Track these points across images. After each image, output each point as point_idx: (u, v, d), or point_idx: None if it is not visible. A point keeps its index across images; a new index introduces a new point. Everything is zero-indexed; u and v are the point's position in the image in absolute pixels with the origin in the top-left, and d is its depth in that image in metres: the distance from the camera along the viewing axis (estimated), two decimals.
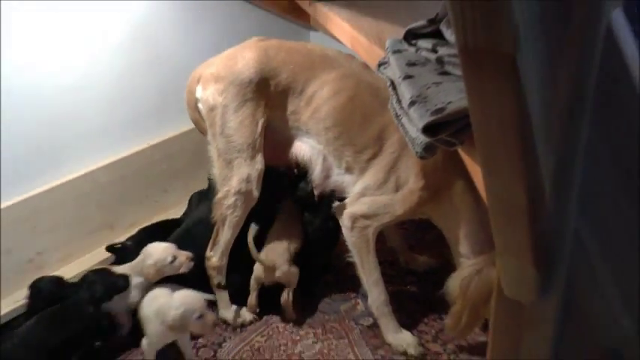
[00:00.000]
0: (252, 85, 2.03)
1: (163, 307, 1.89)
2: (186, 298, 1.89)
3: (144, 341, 1.94)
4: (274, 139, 2.13)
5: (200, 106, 2.13)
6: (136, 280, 2.04)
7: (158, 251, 2.04)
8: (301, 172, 2.20)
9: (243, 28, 2.58)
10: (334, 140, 2.04)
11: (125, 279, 2.03)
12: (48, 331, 1.87)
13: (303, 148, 2.12)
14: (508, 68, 0.67)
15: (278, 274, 2.11)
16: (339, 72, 2.05)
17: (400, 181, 1.98)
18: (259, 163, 2.08)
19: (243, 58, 2.06)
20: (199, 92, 2.12)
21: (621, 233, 0.92)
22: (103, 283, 1.98)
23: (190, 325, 1.87)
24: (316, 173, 2.13)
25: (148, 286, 2.05)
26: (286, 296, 2.15)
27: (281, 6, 2.42)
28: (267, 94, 2.06)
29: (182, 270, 2.06)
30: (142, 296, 2.03)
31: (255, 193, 2.09)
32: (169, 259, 2.02)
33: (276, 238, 2.18)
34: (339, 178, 2.11)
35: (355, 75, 2.05)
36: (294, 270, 2.13)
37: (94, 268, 2.11)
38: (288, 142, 2.15)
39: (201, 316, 1.87)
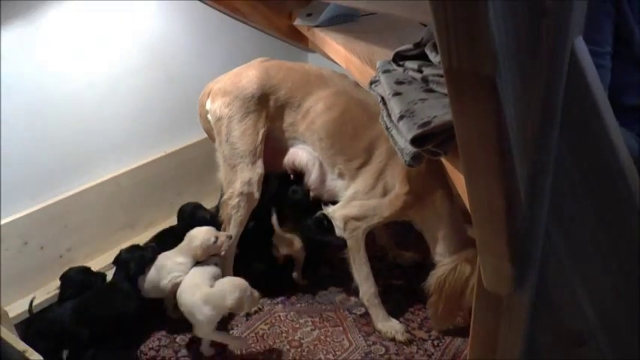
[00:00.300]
0: (254, 100, 2.04)
1: (215, 294, 1.89)
2: (234, 282, 1.92)
3: (201, 329, 1.91)
4: (274, 148, 2.13)
5: (209, 117, 2.14)
6: (180, 260, 2.03)
7: (202, 233, 2.04)
8: (296, 177, 2.20)
9: (248, 50, 2.57)
10: (327, 150, 2.04)
11: (152, 249, 2.07)
12: (92, 307, 1.91)
13: (301, 154, 2.13)
14: (488, 87, 0.67)
15: (296, 246, 2.20)
16: (333, 89, 2.05)
17: (387, 187, 1.98)
18: (260, 167, 2.08)
19: (247, 75, 2.07)
20: (209, 105, 2.13)
21: (585, 232, 0.93)
22: (134, 259, 2.00)
23: (245, 304, 1.91)
24: (313, 178, 2.13)
25: (192, 265, 2.05)
26: (299, 273, 2.32)
27: (283, 31, 2.42)
28: (268, 107, 2.07)
29: (223, 248, 2.08)
30: (185, 274, 2.02)
31: (256, 195, 2.09)
32: (212, 239, 2.03)
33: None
34: (333, 183, 2.11)
35: (347, 92, 2.05)
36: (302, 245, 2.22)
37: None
38: (286, 150, 2.15)
39: (250, 294, 1.90)
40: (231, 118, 2.06)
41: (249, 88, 2.04)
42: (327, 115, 2.02)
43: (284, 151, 2.15)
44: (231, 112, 2.05)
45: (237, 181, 2.07)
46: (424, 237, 2.03)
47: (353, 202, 2.02)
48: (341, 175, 2.07)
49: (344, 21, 2.14)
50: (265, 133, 2.08)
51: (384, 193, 1.99)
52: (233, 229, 2.12)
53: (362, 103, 2.02)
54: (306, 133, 2.07)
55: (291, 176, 2.22)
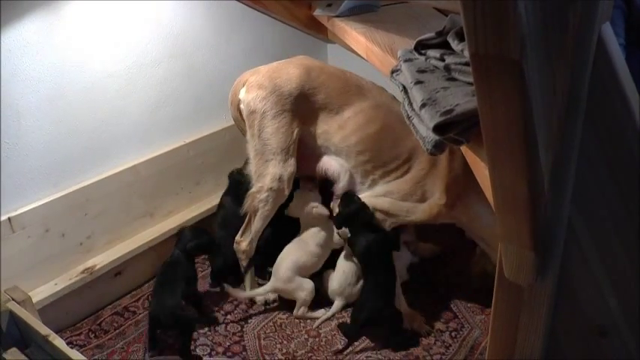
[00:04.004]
0: (291, 98, 2.02)
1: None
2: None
3: None
4: (305, 152, 2.11)
5: (242, 107, 2.11)
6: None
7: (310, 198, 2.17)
8: (322, 183, 2.21)
9: (267, 41, 2.58)
10: (365, 163, 2.04)
11: None
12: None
13: (332, 164, 2.11)
14: (515, 73, 0.66)
15: None
16: (372, 102, 2.05)
17: (426, 195, 1.98)
18: (292, 165, 2.06)
19: (287, 73, 2.05)
20: (242, 94, 2.10)
21: (609, 222, 0.92)
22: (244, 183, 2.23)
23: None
24: (341, 186, 2.12)
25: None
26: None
27: (303, 22, 2.40)
28: (304, 109, 2.05)
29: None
30: None
31: (286, 192, 2.08)
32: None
33: None
34: (361, 193, 2.10)
35: (386, 105, 2.05)
36: None
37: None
38: (317, 157, 2.13)
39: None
40: (265, 114, 2.03)
41: (287, 85, 2.02)
42: (367, 129, 2.02)
43: (315, 156, 2.13)
44: (265, 107, 2.03)
45: (268, 177, 2.05)
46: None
47: (385, 198, 2.03)
48: (373, 184, 2.07)
49: (364, 11, 2.12)
50: (299, 134, 2.06)
51: (422, 199, 1.99)
52: (257, 222, 2.12)
53: (400, 116, 1.99)
54: (341, 145, 2.06)
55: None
